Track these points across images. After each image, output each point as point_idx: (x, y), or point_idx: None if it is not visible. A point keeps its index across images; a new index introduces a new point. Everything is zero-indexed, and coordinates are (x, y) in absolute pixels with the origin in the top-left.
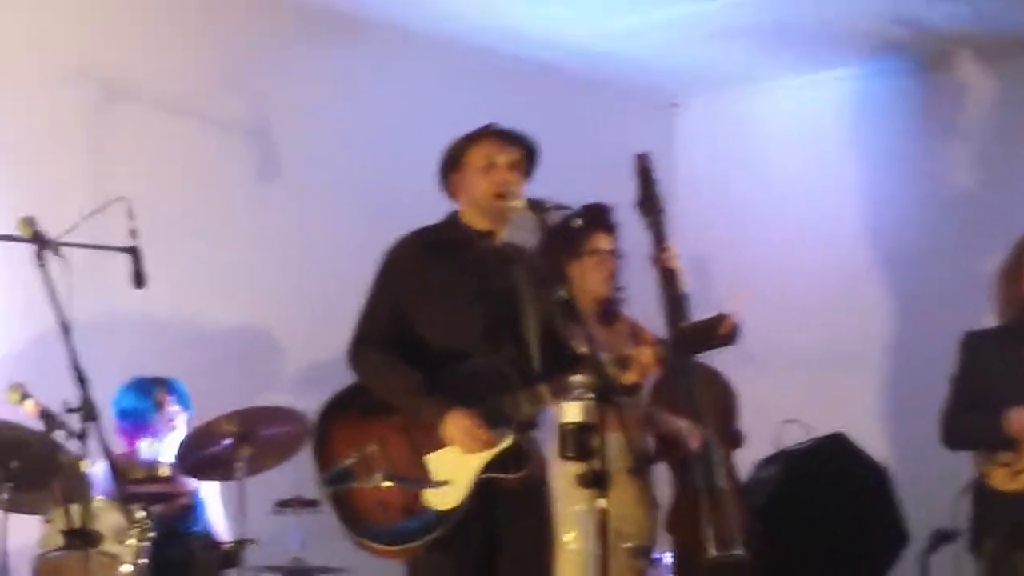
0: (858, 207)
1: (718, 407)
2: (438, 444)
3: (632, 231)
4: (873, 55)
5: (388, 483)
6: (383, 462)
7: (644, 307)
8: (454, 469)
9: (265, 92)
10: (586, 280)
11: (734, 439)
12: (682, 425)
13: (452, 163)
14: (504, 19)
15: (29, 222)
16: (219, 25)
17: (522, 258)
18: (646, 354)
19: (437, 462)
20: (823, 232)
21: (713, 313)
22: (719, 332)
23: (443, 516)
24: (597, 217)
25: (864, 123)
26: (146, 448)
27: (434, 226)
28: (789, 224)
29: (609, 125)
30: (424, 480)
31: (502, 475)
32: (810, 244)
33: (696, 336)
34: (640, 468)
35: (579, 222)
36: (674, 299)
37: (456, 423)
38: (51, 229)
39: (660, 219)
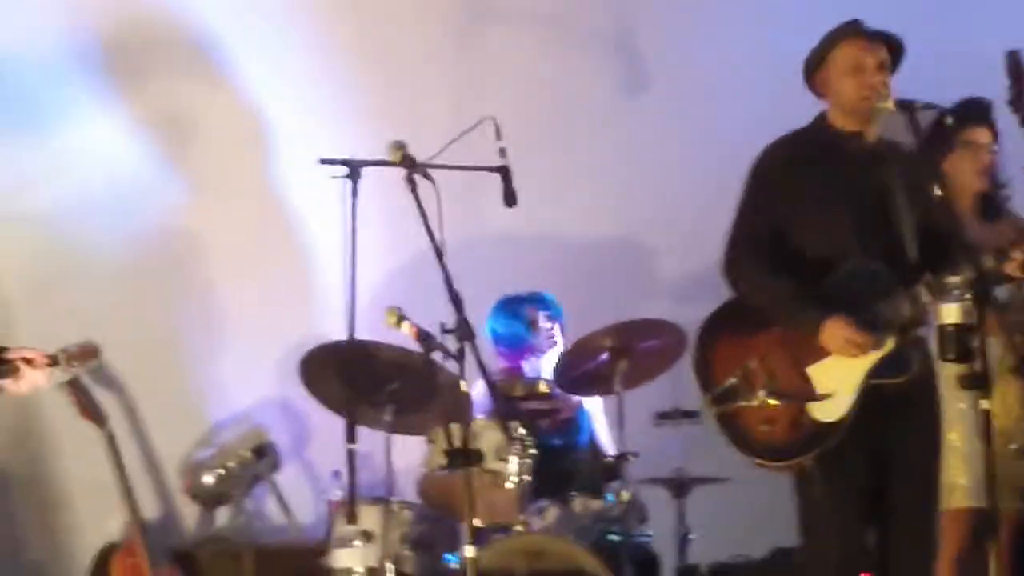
0: None
1: None
2: (820, 355)
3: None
4: None
5: (772, 399)
6: (765, 378)
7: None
8: (838, 379)
9: (632, 3)
10: (960, 173)
11: None
12: None
13: (817, 64)
14: None
15: (399, 146)
16: None
17: (895, 156)
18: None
19: (820, 373)
20: None
21: None
22: None
23: (830, 427)
24: (972, 111)
25: None
26: (529, 365)
27: (802, 130)
28: None
29: (987, 19)
30: (808, 393)
31: (887, 380)
32: None
33: None
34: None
35: (950, 120)
36: None
37: (834, 331)
38: (420, 152)
39: None
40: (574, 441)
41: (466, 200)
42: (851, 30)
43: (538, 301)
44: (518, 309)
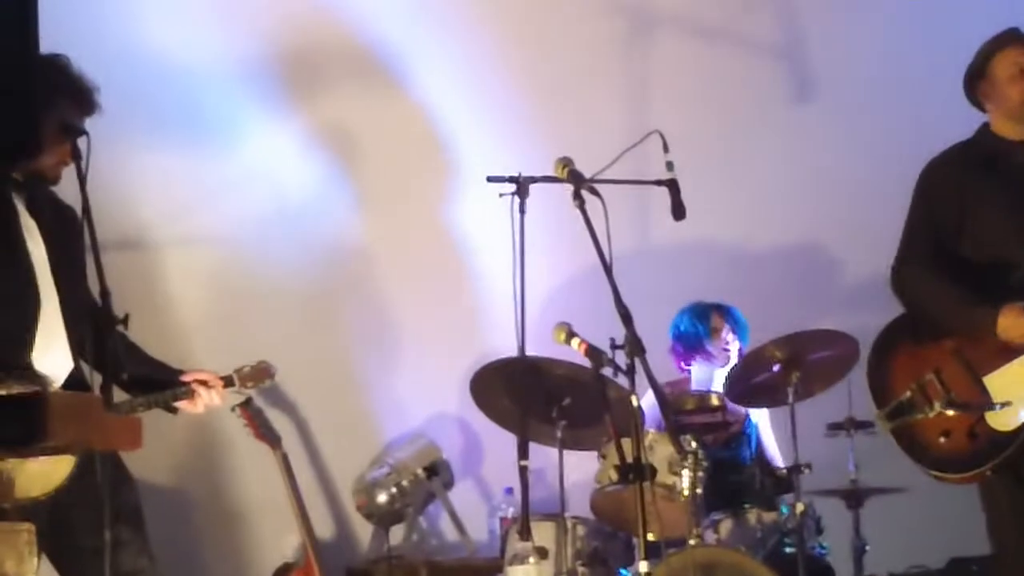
0: None
1: None
2: (996, 365)
3: None
4: None
5: (949, 411)
6: (941, 390)
7: None
8: (1015, 388)
9: (798, 11)
10: None
11: None
12: None
13: (978, 73)
14: None
15: (565, 162)
16: None
17: None
18: None
19: (997, 382)
20: None
21: None
22: None
23: (1009, 436)
24: None
25: None
26: (698, 374)
27: (967, 141)
28: None
29: None
30: (985, 402)
31: None
32: None
33: None
34: None
35: None
36: None
37: (1011, 320)
38: (588, 166)
39: None
40: (742, 453)
41: (633, 214)
42: (1011, 37)
43: (728, 313)
44: (706, 312)
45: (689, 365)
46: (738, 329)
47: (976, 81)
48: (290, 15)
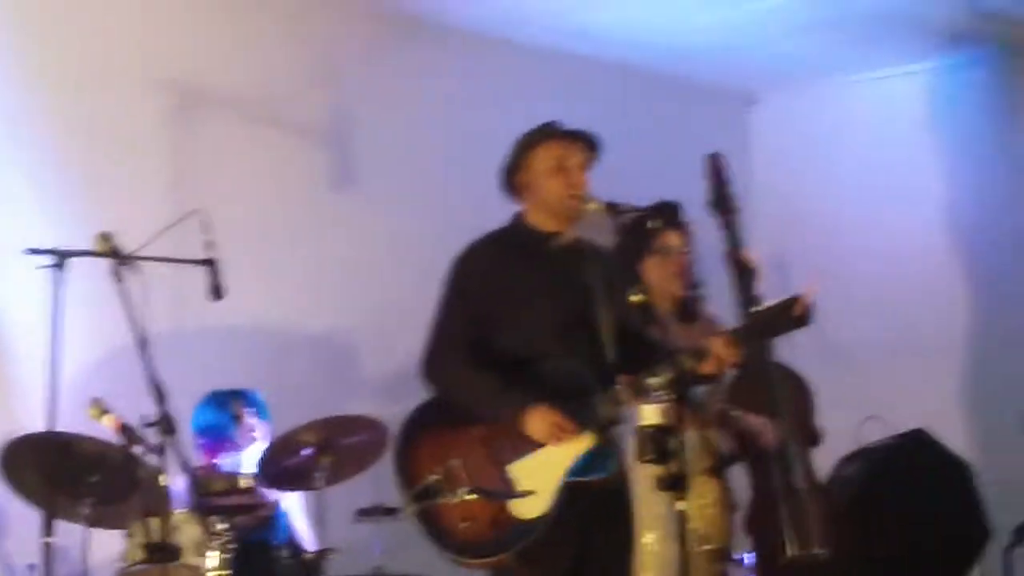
0: (936, 200)
1: (795, 405)
2: (520, 453)
3: (707, 232)
4: (949, 47)
5: (473, 496)
6: (467, 476)
7: (721, 308)
8: (538, 477)
9: (343, 99)
10: (658, 278)
11: (812, 437)
12: (758, 422)
13: (516, 165)
14: (578, 18)
15: (105, 237)
16: (295, 31)
17: (594, 256)
18: (720, 343)
19: (520, 471)
20: (901, 226)
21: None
22: (792, 313)
23: (530, 524)
24: (665, 215)
25: (942, 116)
26: (227, 460)
27: (500, 230)
28: (867, 219)
29: (684, 124)
30: (509, 490)
31: (585, 479)
32: (888, 238)
33: (770, 319)
34: (719, 469)
35: (656, 223)
36: (748, 295)
37: (538, 417)
38: (129, 242)
39: (734, 219)
40: (272, 537)
41: (176, 292)
42: (550, 130)
43: (246, 397)
44: (225, 402)
45: (217, 458)
46: (260, 411)
47: (514, 173)
48: None
